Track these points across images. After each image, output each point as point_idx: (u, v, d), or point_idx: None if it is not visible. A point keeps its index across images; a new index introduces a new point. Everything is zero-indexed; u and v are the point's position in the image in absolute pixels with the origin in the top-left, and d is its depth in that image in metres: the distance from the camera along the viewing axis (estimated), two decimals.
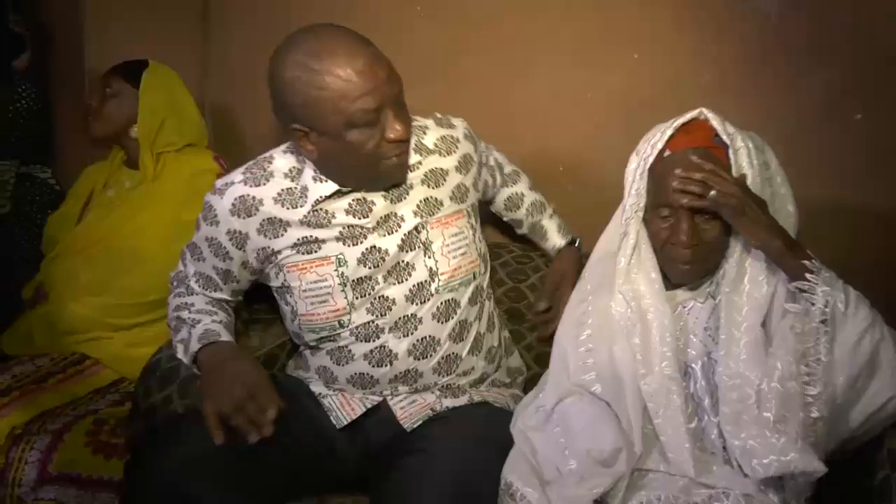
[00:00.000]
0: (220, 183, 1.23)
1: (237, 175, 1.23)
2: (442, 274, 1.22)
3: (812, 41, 1.42)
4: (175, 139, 1.68)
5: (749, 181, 1.11)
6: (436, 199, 1.25)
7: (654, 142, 1.15)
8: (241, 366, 1.14)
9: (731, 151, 1.13)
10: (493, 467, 1.10)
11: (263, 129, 1.89)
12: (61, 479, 1.37)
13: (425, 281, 1.22)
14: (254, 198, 1.20)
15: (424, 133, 1.28)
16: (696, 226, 1.11)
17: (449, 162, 1.28)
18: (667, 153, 1.14)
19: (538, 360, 1.40)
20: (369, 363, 1.22)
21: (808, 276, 1.06)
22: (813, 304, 1.06)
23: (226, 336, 1.21)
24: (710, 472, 1.07)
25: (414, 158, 1.23)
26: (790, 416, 1.03)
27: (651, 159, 1.15)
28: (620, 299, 1.17)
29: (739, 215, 1.08)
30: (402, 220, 1.22)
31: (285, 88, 1.11)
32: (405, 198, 1.23)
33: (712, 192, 1.07)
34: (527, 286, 1.46)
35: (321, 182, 1.19)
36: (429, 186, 1.25)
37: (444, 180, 1.26)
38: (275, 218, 1.19)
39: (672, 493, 1.04)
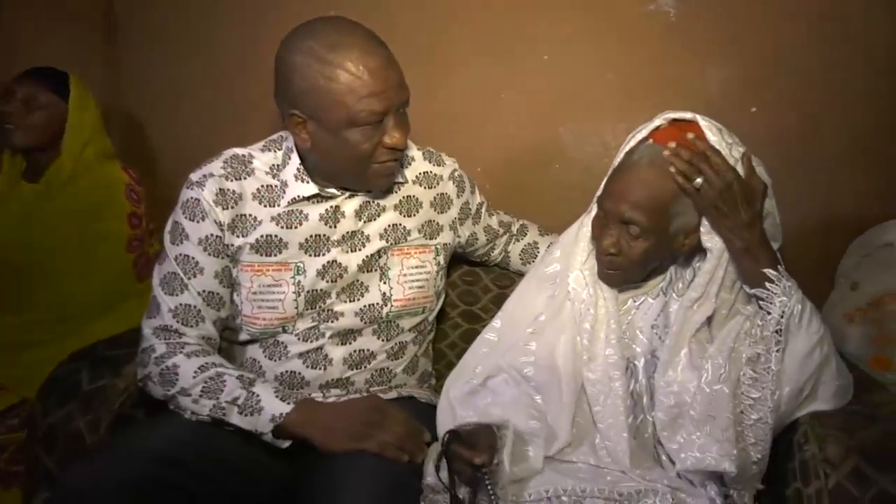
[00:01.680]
0: (196, 176, 1.17)
1: (216, 168, 1.17)
2: (395, 301, 1.23)
3: (711, 39, 1.50)
4: (99, 151, 1.64)
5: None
6: (404, 227, 1.25)
7: (644, 130, 1.11)
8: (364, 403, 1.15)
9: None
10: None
11: (175, 140, 1.84)
12: None
13: (377, 304, 1.22)
14: (234, 192, 1.16)
15: (409, 164, 1.27)
16: (622, 237, 1.08)
17: (426, 195, 1.28)
18: (649, 142, 1.09)
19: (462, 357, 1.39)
20: (304, 363, 1.20)
21: (767, 284, 1.04)
22: (769, 314, 1.04)
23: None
24: (642, 466, 1.08)
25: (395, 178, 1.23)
26: (717, 417, 1.04)
27: (631, 144, 1.11)
28: (580, 277, 1.16)
29: (710, 206, 1.04)
30: (368, 240, 1.22)
31: (293, 72, 1.08)
32: (375, 219, 1.22)
33: (698, 180, 1.03)
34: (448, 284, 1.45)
35: (303, 182, 1.17)
36: (400, 213, 1.25)
37: (417, 212, 1.26)
38: (248, 215, 1.16)
39: (598, 487, 1.04)
